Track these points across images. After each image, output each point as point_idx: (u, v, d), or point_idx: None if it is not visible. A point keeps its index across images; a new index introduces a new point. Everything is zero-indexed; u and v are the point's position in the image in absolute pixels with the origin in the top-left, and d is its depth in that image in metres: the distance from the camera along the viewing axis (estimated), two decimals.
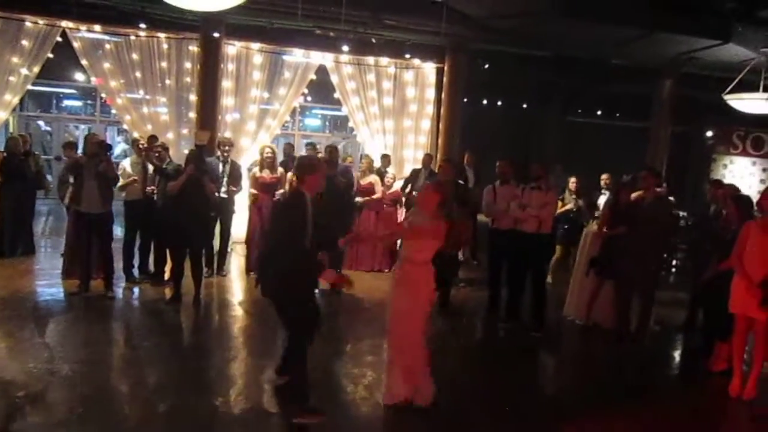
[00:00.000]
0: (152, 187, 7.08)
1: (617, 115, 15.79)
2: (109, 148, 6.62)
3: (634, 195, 6.50)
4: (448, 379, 5.07)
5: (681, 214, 10.48)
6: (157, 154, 7.12)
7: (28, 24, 9.38)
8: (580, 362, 6.04)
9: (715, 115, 13.86)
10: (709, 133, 15.67)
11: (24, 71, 9.48)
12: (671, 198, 8.70)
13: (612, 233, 6.36)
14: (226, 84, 10.29)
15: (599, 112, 15.93)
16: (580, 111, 15.74)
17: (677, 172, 10.20)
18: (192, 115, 10.15)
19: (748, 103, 9.85)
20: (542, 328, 6.30)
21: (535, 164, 6.82)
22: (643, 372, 5.61)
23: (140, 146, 7.54)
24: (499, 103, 15.25)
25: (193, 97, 10.14)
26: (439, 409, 4.36)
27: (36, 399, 4.07)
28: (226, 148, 7.81)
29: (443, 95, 11.26)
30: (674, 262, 10.36)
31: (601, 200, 8.01)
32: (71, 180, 6.70)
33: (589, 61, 11.72)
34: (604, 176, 8.28)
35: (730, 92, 9.94)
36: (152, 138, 7.88)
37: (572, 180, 8.31)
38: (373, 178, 8.75)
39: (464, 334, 6.42)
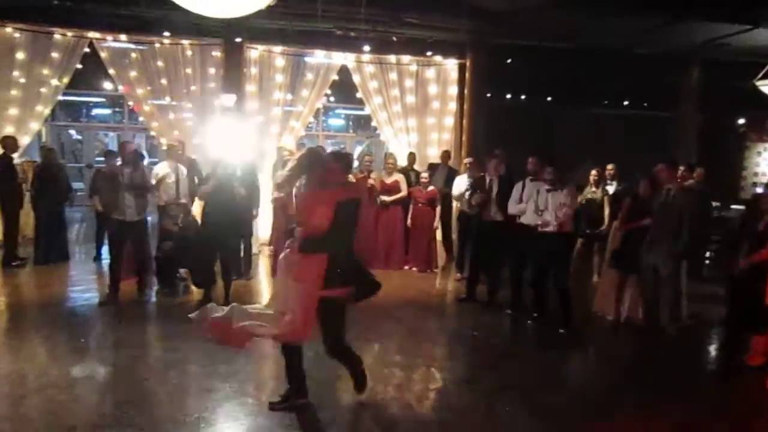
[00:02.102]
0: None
1: (644, 105, 15.49)
2: (142, 156, 6.76)
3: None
4: (475, 376, 5.08)
5: (714, 204, 10.24)
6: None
7: (57, 36, 9.64)
8: (609, 358, 5.94)
9: (747, 103, 13.49)
10: (741, 121, 15.27)
11: (54, 82, 9.74)
12: (704, 189, 8.52)
13: (631, 227, 6.26)
14: (250, 88, 10.40)
15: (626, 103, 15.64)
16: (606, 102, 15.48)
17: (708, 162, 9.94)
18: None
19: None
20: (569, 325, 6.23)
21: (532, 158, 6.63)
22: (676, 367, 5.50)
23: (177, 152, 7.77)
24: (523, 97, 15.09)
25: (217, 103, 10.27)
26: (469, 407, 4.36)
27: (75, 401, 4.18)
28: None
29: (466, 91, 11.22)
30: (708, 255, 10.13)
31: (609, 190, 8.03)
32: (107, 186, 6.81)
33: (613, 52, 11.53)
34: (609, 166, 8.26)
35: (762, 78, 9.67)
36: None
37: (593, 172, 8.18)
38: (399, 177, 8.74)
39: (489, 330, 6.38)
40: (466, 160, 8.63)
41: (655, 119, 14.68)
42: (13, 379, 4.53)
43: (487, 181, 7.10)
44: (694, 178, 8.36)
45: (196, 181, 7.44)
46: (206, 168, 7.58)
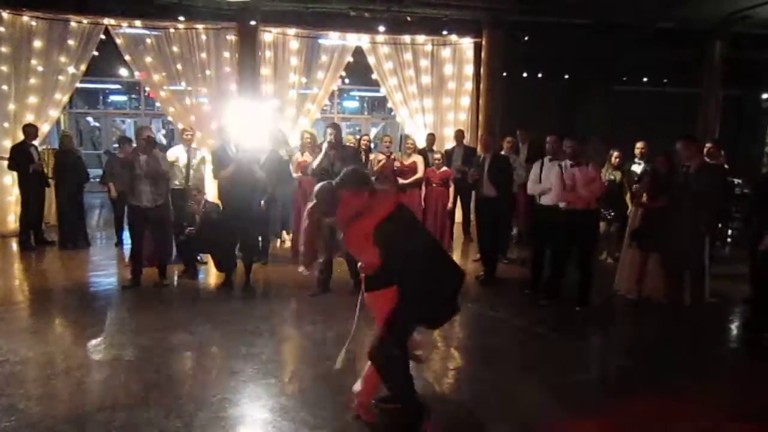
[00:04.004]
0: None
1: (665, 81, 15.19)
2: (155, 143, 6.80)
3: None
4: (494, 355, 5.08)
5: (736, 181, 10.07)
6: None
7: (72, 24, 9.69)
8: (629, 337, 5.90)
9: None
10: (765, 96, 14.93)
11: (71, 70, 9.81)
12: (725, 165, 8.35)
13: (651, 205, 6.17)
14: (265, 71, 10.38)
15: (645, 79, 15.35)
16: (625, 79, 15.21)
17: (730, 138, 9.76)
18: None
19: None
20: (587, 303, 6.20)
21: (551, 137, 6.68)
22: (698, 346, 5.45)
23: (186, 136, 7.88)
24: (540, 75, 14.88)
25: (233, 86, 10.28)
26: (487, 387, 4.37)
27: (101, 382, 4.27)
28: None
29: (482, 70, 11.08)
30: (729, 233, 9.98)
31: (636, 170, 7.83)
32: (125, 174, 6.88)
33: (632, 26, 11.28)
34: (639, 145, 8.01)
35: None
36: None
37: (615, 154, 8.04)
38: (417, 158, 8.70)
39: (507, 310, 6.38)
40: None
41: (677, 95, 14.40)
42: (41, 361, 4.63)
43: (480, 158, 7.35)
44: (722, 155, 8.16)
45: (210, 167, 7.43)
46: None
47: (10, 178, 9.01)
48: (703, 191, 5.66)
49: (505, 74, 11.52)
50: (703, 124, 11.54)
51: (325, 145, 6.56)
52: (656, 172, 6.25)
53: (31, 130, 8.57)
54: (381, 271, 3.38)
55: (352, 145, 8.71)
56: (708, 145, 7.73)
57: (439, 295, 3.50)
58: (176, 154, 7.85)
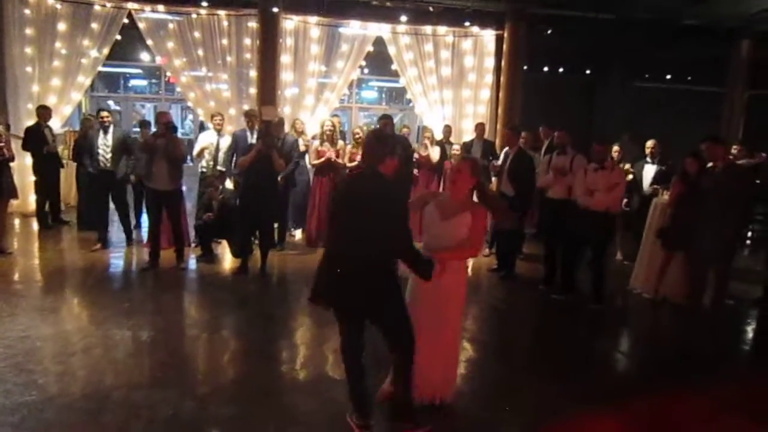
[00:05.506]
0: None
1: (689, 79, 14.95)
2: (175, 128, 6.83)
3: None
4: (506, 349, 5.08)
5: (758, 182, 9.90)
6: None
7: (96, 7, 9.76)
8: (646, 337, 5.86)
9: None
10: None
11: (94, 53, 9.89)
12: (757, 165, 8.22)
13: (674, 205, 6.13)
14: (285, 59, 10.39)
15: (668, 77, 15.12)
16: (647, 76, 14.99)
17: (755, 139, 9.58)
18: (252, 90, 10.32)
19: None
20: (601, 301, 6.16)
21: (559, 131, 6.71)
22: (716, 348, 5.39)
23: (216, 122, 8.03)
24: (561, 69, 14.72)
25: (253, 73, 10.30)
26: (499, 379, 4.37)
27: (118, 362, 4.33)
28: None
29: (503, 63, 11.00)
30: (750, 234, 9.84)
31: (647, 170, 7.63)
32: (143, 157, 6.94)
33: (656, 22, 11.11)
34: (649, 143, 7.73)
35: None
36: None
37: (615, 148, 7.86)
38: (434, 149, 8.68)
39: (521, 305, 6.36)
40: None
41: (701, 94, 14.17)
42: (60, 339, 4.71)
43: (501, 154, 7.41)
44: (754, 158, 8.02)
45: (234, 153, 7.47)
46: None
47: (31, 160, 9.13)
48: (730, 192, 5.60)
49: (525, 68, 11.41)
50: (726, 124, 11.37)
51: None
52: (686, 173, 6.15)
53: (44, 112, 8.71)
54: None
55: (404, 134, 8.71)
56: (735, 147, 7.63)
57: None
58: (208, 139, 8.02)
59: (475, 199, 3.73)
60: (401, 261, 3.34)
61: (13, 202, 8.42)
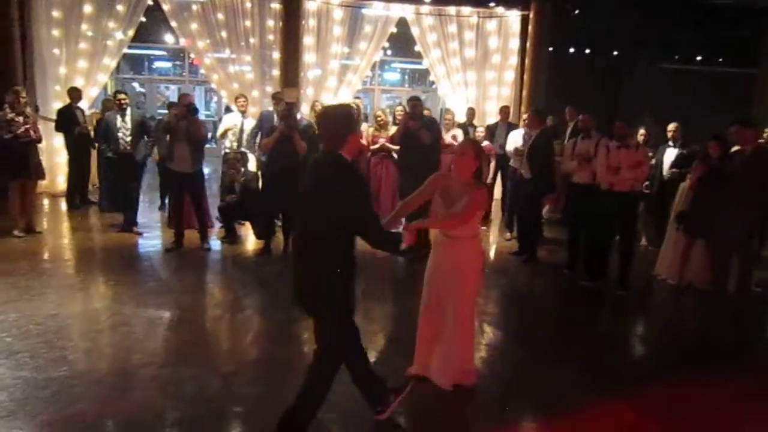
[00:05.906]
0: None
1: (719, 60, 14.56)
2: (196, 109, 6.87)
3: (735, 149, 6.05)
4: (528, 333, 5.07)
5: None
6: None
7: None
8: (670, 324, 5.79)
9: None
10: None
11: (119, 35, 9.97)
12: None
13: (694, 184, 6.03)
14: (308, 41, 10.36)
15: (699, 58, 14.75)
16: (676, 57, 14.64)
17: None
18: (275, 72, 10.32)
19: None
20: (627, 287, 6.09)
21: (583, 115, 6.64)
22: (739, 333, 5.32)
23: (240, 103, 8.12)
24: (587, 51, 14.45)
25: (276, 55, 10.30)
26: (520, 363, 4.37)
27: (144, 340, 4.43)
28: None
29: (528, 45, 10.84)
30: None
31: (668, 153, 7.50)
32: (167, 139, 7.00)
33: (686, 2, 10.81)
34: (671, 126, 7.52)
35: None
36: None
37: (641, 131, 7.72)
38: (457, 132, 8.62)
39: (544, 289, 6.32)
40: (525, 116, 8.42)
41: (732, 76, 13.80)
42: (88, 317, 4.82)
43: (522, 135, 7.45)
44: None
45: (257, 133, 7.50)
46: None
47: (61, 140, 9.28)
48: (759, 176, 5.47)
49: (551, 49, 11.22)
50: (758, 106, 11.07)
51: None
52: (708, 156, 6.02)
53: (75, 93, 8.84)
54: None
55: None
56: (767, 130, 7.43)
57: None
58: (233, 120, 8.12)
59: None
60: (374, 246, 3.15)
61: (42, 183, 8.58)
